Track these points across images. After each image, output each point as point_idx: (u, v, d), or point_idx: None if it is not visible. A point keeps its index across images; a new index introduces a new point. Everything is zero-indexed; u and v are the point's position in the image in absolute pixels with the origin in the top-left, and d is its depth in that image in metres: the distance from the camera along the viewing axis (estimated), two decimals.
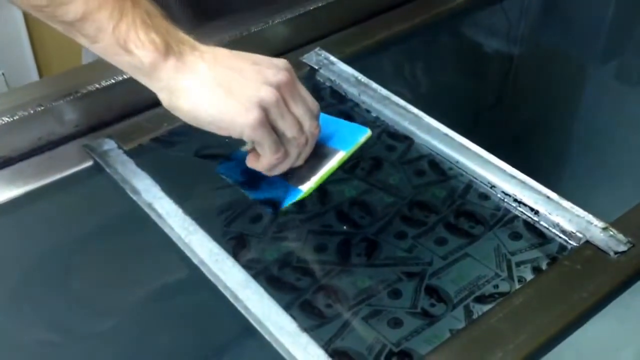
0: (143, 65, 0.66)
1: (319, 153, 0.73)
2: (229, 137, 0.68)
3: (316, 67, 0.93)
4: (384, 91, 0.88)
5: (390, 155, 0.84)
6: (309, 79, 0.93)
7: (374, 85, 0.89)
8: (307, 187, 0.72)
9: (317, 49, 0.95)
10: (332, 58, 0.94)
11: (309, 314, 0.67)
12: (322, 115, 0.73)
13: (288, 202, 0.72)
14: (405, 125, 0.84)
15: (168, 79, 0.66)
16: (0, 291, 0.73)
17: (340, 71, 0.92)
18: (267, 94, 0.67)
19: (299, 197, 0.72)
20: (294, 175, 0.73)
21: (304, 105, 0.70)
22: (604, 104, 1.08)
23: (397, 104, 0.86)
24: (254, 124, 0.66)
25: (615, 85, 1.12)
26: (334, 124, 0.77)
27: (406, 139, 0.83)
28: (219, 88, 0.67)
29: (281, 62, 0.71)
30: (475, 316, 0.66)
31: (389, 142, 0.85)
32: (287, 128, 0.69)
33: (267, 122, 0.67)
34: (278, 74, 0.69)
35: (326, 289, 0.70)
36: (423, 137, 0.82)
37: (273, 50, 0.95)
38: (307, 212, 0.78)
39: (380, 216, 0.77)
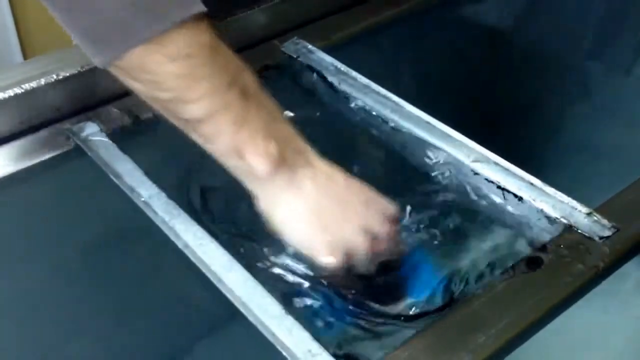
0: (252, 172, 0.63)
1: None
2: None
3: (295, 56, 0.92)
4: (364, 79, 0.87)
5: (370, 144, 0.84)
6: (288, 67, 0.92)
7: (354, 73, 0.88)
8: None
9: (294, 38, 0.94)
10: (311, 47, 0.93)
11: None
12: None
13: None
14: (387, 113, 0.83)
15: (272, 189, 0.64)
16: None
17: (319, 60, 0.91)
18: (360, 244, 0.65)
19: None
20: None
21: (391, 253, 0.68)
22: (586, 91, 1.09)
23: (378, 92, 0.86)
24: (332, 266, 0.65)
25: (599, 72, 1.13)
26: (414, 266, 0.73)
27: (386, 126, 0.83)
28: (315, 218, 0.64)
29: (390, 208, 0.68)
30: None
31: (369, 130, 0.84)
32: (363, 270, 0.67)
33: (347, 264, 0.65)
34: (382, 226, 0.66)
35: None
36: (404, 124, 0.81)
37: (252, 38, 0.94)
38: None
39: None
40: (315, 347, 0.58)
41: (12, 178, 0.75)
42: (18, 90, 0.77)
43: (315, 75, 0.90)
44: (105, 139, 0.76)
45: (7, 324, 0.68)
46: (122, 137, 0.77)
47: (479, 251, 0.71)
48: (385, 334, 0.63)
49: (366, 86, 0.87)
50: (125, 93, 0.80)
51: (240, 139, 0.61)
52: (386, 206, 0.67)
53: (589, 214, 0.69)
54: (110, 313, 0.69)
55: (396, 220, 0.68)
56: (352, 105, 0.86)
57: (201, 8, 0.57)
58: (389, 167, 0.81)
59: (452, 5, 1.13)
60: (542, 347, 0.62)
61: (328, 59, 0.90)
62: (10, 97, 0.77)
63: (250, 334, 0.60)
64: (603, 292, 0.64)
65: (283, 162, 0.63)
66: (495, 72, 1.12)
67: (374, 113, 0.84)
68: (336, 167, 0.66)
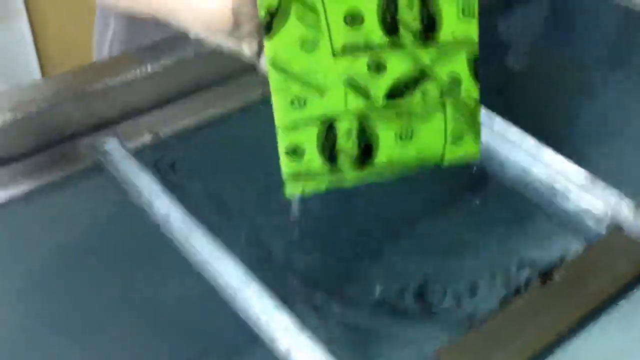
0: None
1: None
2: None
3: None
4: None
5: None
6: None
7: None
8: None
9: None
10: None
11: None
12: None
13: None
14: None
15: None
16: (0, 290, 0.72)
17: None
18: None
19: None
20: None
21: None
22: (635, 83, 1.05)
23: None
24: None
25: None
26: None
27: None
28: None
29: None
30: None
31: None
32: None
33: None
34: None
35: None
36: None
37: None
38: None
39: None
40: None
41: (31, 192, 0.74)
42: (41, 105, 0.76)
43: None
44: (126, 155, 0.75)
45: (24, 341, 0.68)
46: (142, 153, 0.77)
47: (526, 242, 0.73)
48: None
49: None
50: (146, 109, 0.80)
51: None
52: None
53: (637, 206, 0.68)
54: (123, 327, 0.68)
55: None
56: None
57: None
58: None
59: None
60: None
61: None
62: (31, 112, 0.76)
63: (266, 350, 0.58)
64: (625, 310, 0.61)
65: None
66: (546, 62, 1.09)
67: None
68: None
